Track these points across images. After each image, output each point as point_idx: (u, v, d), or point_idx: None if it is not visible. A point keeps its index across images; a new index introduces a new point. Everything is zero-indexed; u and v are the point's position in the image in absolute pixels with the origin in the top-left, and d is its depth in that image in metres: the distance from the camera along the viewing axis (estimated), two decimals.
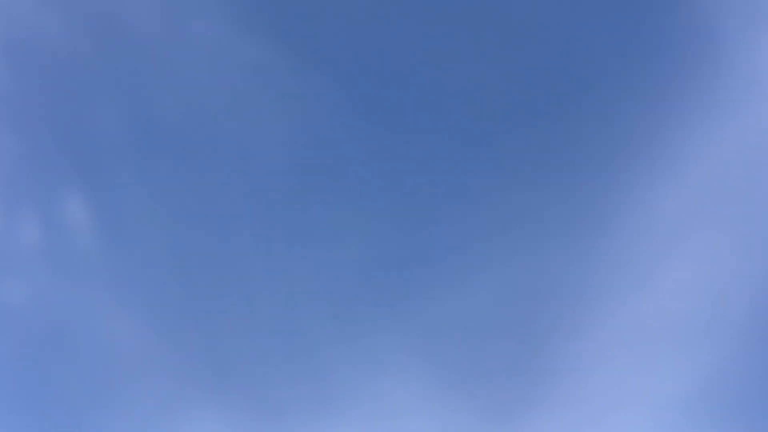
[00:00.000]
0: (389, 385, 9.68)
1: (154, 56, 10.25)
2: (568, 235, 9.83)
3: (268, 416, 9.65)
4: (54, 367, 9.61)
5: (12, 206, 9.91)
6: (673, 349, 9.33)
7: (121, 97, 10.23)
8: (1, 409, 9.38)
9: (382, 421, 9.53)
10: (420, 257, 10.06)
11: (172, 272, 9.78)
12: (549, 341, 9.63)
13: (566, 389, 9.41)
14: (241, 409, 9.66)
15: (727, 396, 9.15)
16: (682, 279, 9.47)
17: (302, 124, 10.19)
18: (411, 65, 10.44)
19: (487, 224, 10.01)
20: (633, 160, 9.75)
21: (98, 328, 9.64)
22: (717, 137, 9.53)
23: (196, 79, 10.31)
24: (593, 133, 9.98)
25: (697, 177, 9.56)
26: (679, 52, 10.02)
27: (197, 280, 9.86)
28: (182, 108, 10.16)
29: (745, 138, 9.47)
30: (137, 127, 10.20)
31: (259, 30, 10.36)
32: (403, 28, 10.43)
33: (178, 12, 10.23)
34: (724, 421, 9.15)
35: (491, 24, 10.34)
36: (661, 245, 9.57)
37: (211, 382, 9.64)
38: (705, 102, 9.71)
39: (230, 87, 10.25)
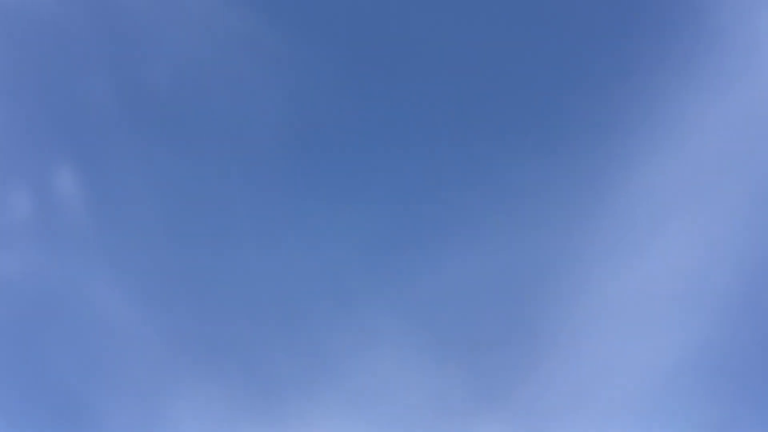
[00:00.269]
0: (382, 356, 9.72)
1: (147, 29, 10.21)
2: (560, 209, 9.86)
3: (262, 387, 9.70)
4: (47, 339, 9.62)
5: (4, 180, 9.88)
6: (662, 320, 9.39)
7: (113, 70, 10.19)
8: None
9: (376, 392, 9.59)
10: (413, 231, 10.09)
11: (165, 245, 9.79)
12: (541, 313, 9.68)
13: (558, 359, 9.47)
14: (236, 380, 9.70)
15: (715, 364, 9.24)
16: (673, 252, 9.52)
17: (295, 97, 10.18)
18: (405, 39, 10.42)
19: (481, 199, 10.04)
20: (627, 135, 9.77)
21: (91, 300, 9.64)
22: (711, 111, 9.55)
23: (188, 51, 10.27)
24: (587, 108, 9.99)
25: (690, 151, 9.59)
26: (674, 27, 10.02)
27: (190, 253, 9.88)
28: (174, 81, 10.13)
29: (739, 112, 9.49)
30: (129, 100, 10.18)
31: (251, 2, 10.33)
32: (397, 0, 10.40)
33: None
34: (711, 388, 9.23)
35: None
36: (652, 218, 9.61)
37: (205, 353, 9.67)
38: (700, 76, 9.72)
39: (222, 59, 10.23)
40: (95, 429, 9.37)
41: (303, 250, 10.07)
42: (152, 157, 9.97)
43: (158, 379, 9.49)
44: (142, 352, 9.52)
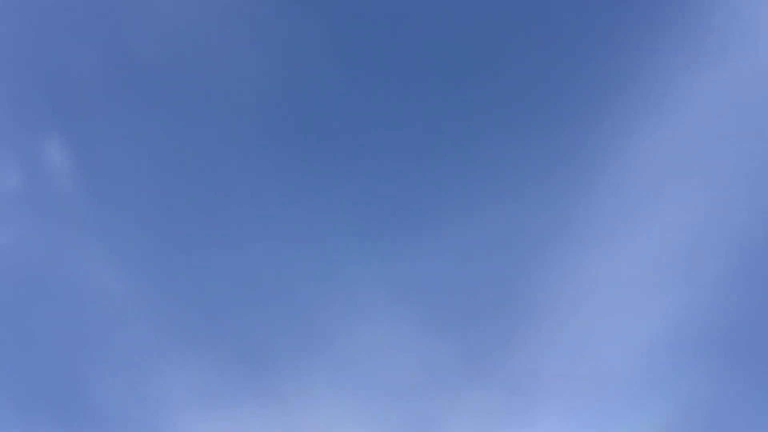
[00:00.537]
0: (372, 330, 9.76)
1: None
2: (550, 185, 9.82)
3: (253, 360, 9.74)
4: (36, 311, 9.63)
5: None
6: (651, 295, 9.43)
7: (101, 38, 10.05)
8: None
9: (365, 364, 9.64)
10: (403, 207, 10.06)
11: (155, 216, 9.76)
12: (529, 288, 9.70)
13: (546, 333, 9.52)
14: (227, 353, 9.75)
15: (703, 339, 9.30)
16: (664, 222, 9.52)
17: (285, 67, 10.07)
18: (398, 13, 10.29)
19: (470, 170, 9.99)
20: (616, 106, 9.70)
21: (81, 272, 9.64)
22: (700, 84, 9.47)
23: (176, 19, 10.13)
24: (577, 80, 9.90)
25: (680, 123, 9.53)
26: (663, 2, 9.89)
27: (180, 225, 9.85)
28: (162, 49, 10.00)
29: (727, 85, 9.42)
30: (117, 69, 10.05)
31: None
32: None
33: None
34: (699, 363, 9.30)
35: None
36: (642, 190, 9.59)
37: (196, 326, 9.70)
38: (689, 51, 9.62)
39: (210, 26, 10.09)
40: (86, 401, 9.44)
41: (293, 224, 10.06)
42: (141, 128, 9.89)
43: (148, 351, 9.54)
44: (133, 325, 9.56)
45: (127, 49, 10.00)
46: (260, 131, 9.96)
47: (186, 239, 9.78)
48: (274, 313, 9.74)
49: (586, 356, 9.51)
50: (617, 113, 9.57)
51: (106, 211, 9.77)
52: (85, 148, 9.84)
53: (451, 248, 9.83)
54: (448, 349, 9.74)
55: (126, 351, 9.53)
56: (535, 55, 10.00)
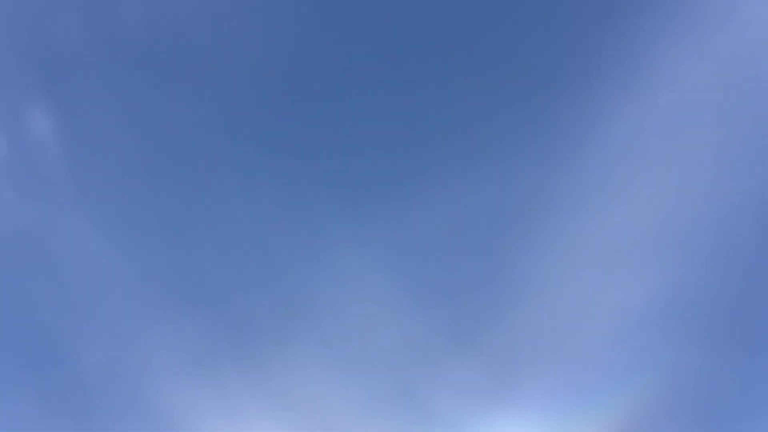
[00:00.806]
0: (358, 300, 9.76)
1: None
2: (536, 156, 9.80)
3: (238, 329, 9.75)
4: (22, 278, 9.62)
5: None
6: (636, 266, 9.44)
7: (86, 5, 9.97)
8: None
9: (351, 335, 9.66)
10: (388, 175, 10.04)
11: (140, 185, 9.72)
12: (516, 259, 9.70)
13: (532, 305, 9.53)
14: (212, 321, 9.75)
15: (687, 310, 9.32)
16: (648, 199, 9.52)
17: (274, 34, 10.00)
18: None
19: (456, 143, 9.97)
20: (605, 79, 9.67)
21: (65, 240, 9.62)
22: (690, 56, 9.45)
23: None
24: (561, 58, 9.87)
25: (670, 95, 9.51)
26: None
27: (166, 193, 9.81)
28: (148, 18, 9.93)
29: (717, 57, 9.40)
30: (103, 38, 9.99)
31: None
32: None
33: None
34: (683, 334, 9.33)
35: None
36: (628, 166, 9.58)
37: (181, 294, 9.69)
38: (678, 21, 9.59)
39: None
40: (70, 368, 9.44)
41: (281, 193, 10.04)
42: (127, 96, 9.84)
43: (132, 318, 9.54)
44: (117, 292, 9.55)
45: (113, 16, 9.93)
46: (246, 100, 9.92)
47: (170, 207, 9.76)
48: (259, 282, 9.75)
49: (570, 331, 9.54)
50: (603, 90, 9.55)
51: (90, 179, 9.74)
52: (69, 116, 9.79)
53: (436, 223, 9.82)
54: (433, 322, 9.76)
55: (109, 318, 9.53)
56: (520, 35, 9.96)
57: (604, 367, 9.44)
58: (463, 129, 9.93)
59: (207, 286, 9.83)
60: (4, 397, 9.24)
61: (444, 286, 9.83)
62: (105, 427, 9.29)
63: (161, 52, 9.88)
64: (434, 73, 10.11)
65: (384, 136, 10.03)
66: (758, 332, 9.35)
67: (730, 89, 9.31)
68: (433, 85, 10.07)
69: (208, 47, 9.95)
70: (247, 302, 9.77)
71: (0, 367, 9.28)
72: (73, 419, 9.32)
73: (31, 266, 9.67)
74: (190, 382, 9.41)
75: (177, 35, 9.91)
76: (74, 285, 9.61)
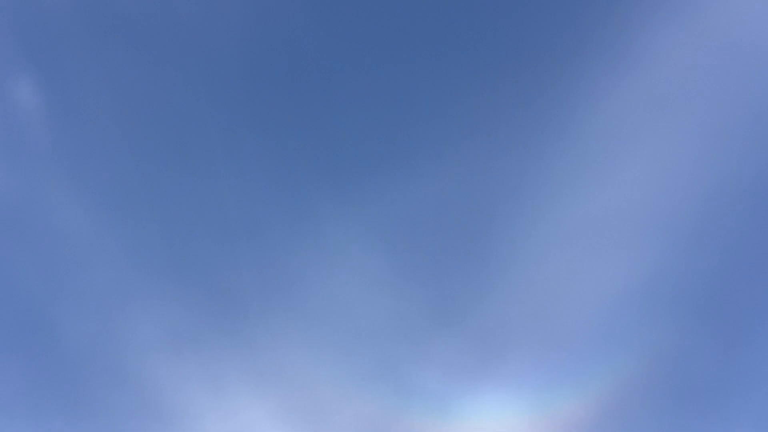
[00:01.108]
0: (343, 276, 9.80)
1: None
2: (522, 136, 9.84)
3: (224, 303, 9.77)
4: (7, 251, 9.60)
5: None
6: (619, 246, 9.51)
7: None
8: None
9: (336, 309, 9.70)
10: (375, 154, 10.06)
11: (126, 158, 9.70)
12: (500, 237, 9.76)
13: (515, 283, 9.60)
14: (197, 294, 9.77)
15: (672, 290, 9.41)
16: (637, 175, 9.57)
17: (261, 9, 9.97)
18: None
19: (442, 122, 9.99)
20: (592, 63, 9.70)
21: (51, 212, 9.59)
22: (678, 36, 9.49)
23: None
24: (552, 36, 9.89)
25: (657, 75, 9.56)
26: None
27: (152, 166, 9.80)
28: None
29: (705, 37, 9.45)
30: (89, 10, 9.93)
31: None
32: None
33: None
34: (667, 313, 9.43)
35: None
36: (615, 144, 9.64)
37: (166, 267, 9.70)
38: (666, 7, 9.63)
39: None
40: (55, 341, 9.44)
41: (268, 170, 10.04)
42: (114, 70, 9.80)
43: (117, 291, 9.54)
44: (102, 265, 9.54)
45: None
46: (234, 75, 9.91)
47: (157, 182, 9.75)
48: (245, 255, 9.76)
49: (553, 309, 9.61)
50: (588, 72, 9.58)
51: (76, 152, 9.71)
52: (56, 89, 9.74)
53: (423, 202, 9.86)
54: (418, 299, 9.81)
55: (94, 291, 9.53)
56: (507, 16, 9.96)
57: (587, 345, 9.53)
58: (449, 109, 9.96)
59: (193, 261, 9.85)
60: None
61: (430, 263, 9.89)
62: (89, 399, 9.32)
63: (150, 27, 9.85)
64: (421, 53, 10.12)
65: (371, 114, 10.06)
66: (736, 314, 9.47)
67: (717, 72, 9.38)
68: (419, 65, 10.08)
69: (197, 22, 9.92)
70: (233, 278, 9.80)
71: None
72: (58, 391, 9.34)
73: (16, 239, 9.65)
74: (175, 357, 9.44)
75: (166, 9, 9.87)
76: (59, 258, 9.60)
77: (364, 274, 9.74)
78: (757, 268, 9.43)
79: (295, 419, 9.38)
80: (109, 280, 9.54)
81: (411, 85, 10.06)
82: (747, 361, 9.30)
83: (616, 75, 9.54)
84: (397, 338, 9.61)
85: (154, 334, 9.47)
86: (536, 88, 9.67)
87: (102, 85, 9.74)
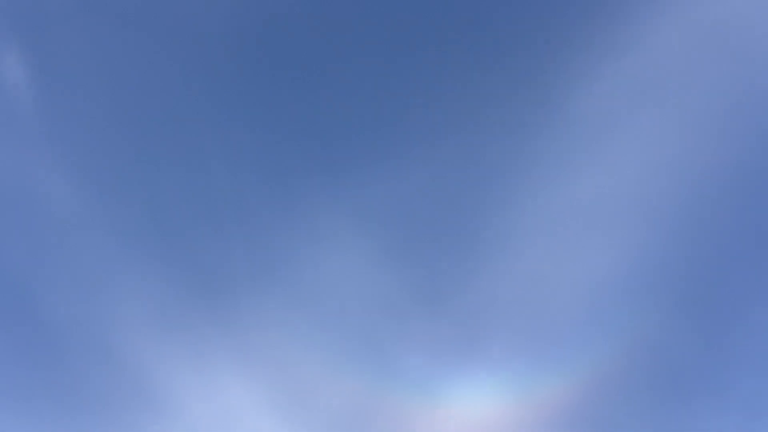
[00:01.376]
0: (330, 256, 9.80)
1: None
2: (509, 122, 9.83)
3: (210, 281, 9.76)
4: None
5: None
6: (603, 232, 9.57)
7: None
8: None
9: (321, 289, 9.72)
10: (366, 137, 10.04)
11: (112, 133, 9.61)
12: (485, 222, 9.78)
13: (499, 267, 9.63)
14: (184, 273, 9.75)
15: (654, 277, 9.48)
16: (621, 165, 9.60)
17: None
18: None
19: (432, 108, 9.95)
20: (578, 50, 9.69)
21: (37, 189, 9.52)
22: (663, 21, 9.49)
23: None
24: (541, 22, 9.87)
25: (644, 65, 9.57)
26: None
27: (140, 144, 9.72)
28: None
29: (689, 23, 9.46)
30: None
31: None
32: None
33: None
34: (649, 300, 9.52)
35: None
36: (603, 130, 9.65)
37: (152, 244, 9.67)
38: None
39: None
40: (40, 317, 9.42)
41: (257, 149, 10.00)
42: (102, 45, 9.69)
43: (103, 269, 9.51)
44: (88, 243, 9.50)
45: None
46: (223, 54, 9.83)
47: (144, 158, 9.68)
48: (233, 236, 9.74)
49: (539, 292, 9.67)
50: (584, 54, 9.57)
51: (63, 127, 9.62)
52: (43, 63, 9.64)
53: (411, 184, 9.86)
54: (404, 281, 9.84)
55: (79, 267, 9.48)
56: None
57: (570, 331, 9.61)
58: (437, 98, 9.93)
59: (181, 243, 9.82)
60: None
61: (417, 249, 9.91)
62: (73, 375, 9.31)
63: (142, 5, 9.73)
64: (410, 44, 10.06)
65: (360, 96, 10.02)
66: (717, 302, 9.56)
67: (704, 62, 9.41)
68: (409, 57, 10.03)
69: (187, 3, 9.82)
70: (221, 260, 9.78)
71: None
72: (42, 366, 9.32)
73: (1, 213, 9.58)
74: (161, 337, 9.44)
75: None
76: (45, 233, 9.55)
77: (352, 258, 9.76)
78: (739, 257, 9.53)
79: (280, 399, 9.44)
80: (94, 257, 9.51)
81: (401, 75, 10.02)
82: (726, 349, 9.42)
83: (602, 65, 9.53)
84: (383, 321, 9.67)
85: (140, 315, 9.47)
86: (523, 79, 9.67)
87: (91, 62, 9.64)
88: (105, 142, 9.66)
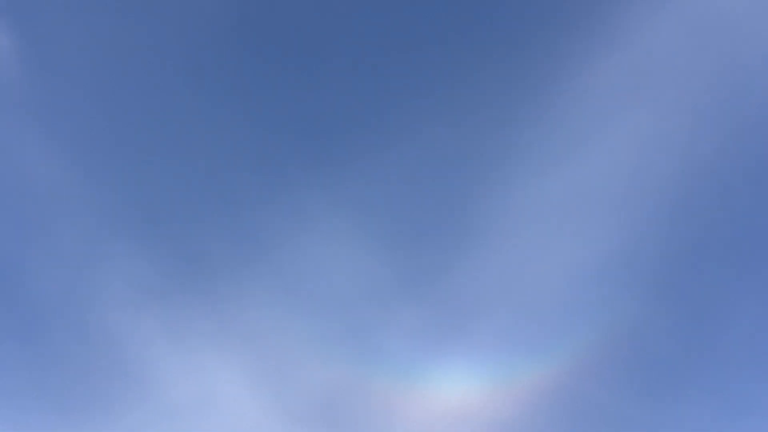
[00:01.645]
0: (314, 241, 9.80)
1: None
2: (499, 108, 9.87)
3: (195, 264, 9.71)
4: None
5: None
6: (588, 219, 9.65)
7: None
8: None
9: (305, 273, 9.71)
10: (348, 121, 10.03)
11: (101, 109, 9.52)
12: (471, 209, 9.83)
13: (484, 254, 9.69)
14: (167, 255, 9.70)
15: (635, 267, 9.59)
16: (604, 156, 9.69)
17: None
18: None
19: (420, 97, 9.97)
20: (571, 38, 9.75)
21: (22, 164, 9.41)
22: (655, 16, 9.58)
23: None
24: (531, 14, 9.91)
25: (632, 54, 9.65)
26: None
27: (127, 121, 9.65)
28: None
29: (681, 18, 9.55)
30: None
31: None
32: None
33: None
34: (628, 289, 9.62)
35: None
36: (593, 119, 9.72)
37: (136, 221, 9.60)
38: None
39: None
40: (22, 293, 9.33)
41: (244, 131, 9.97)
42: (90, 18, 9.60)
43: (86, 244, 9.42)
44: (72, 217, 9.40)
45: None
46: (215, 35, 9.77)
47: (130, 136, 9.60)
48: (218, 221, 9.70)
49: (521, 280, 9.73)
50: (573, 46, 9.65)
51: (48, 102, 9.52)
52: (30, 34, 9.53)
53: (397, 171, 9.89)
54: (388, 266, 9.86)
55: (62, 244, 9.39)
56: None
57: (551, 318, 9.68)
58: (425, 88, 9.97)
59: (164, 218, 9.76)
60: None
61: (400, 231, 9.94)
62: (54, 353, 9.22)
63: None
64: (403, 32, 10.08)
65: (348, 88, 10.03)
66: (695, 290, 9.68)
67: (698, 55, 9.52)
68: (399, 43, 10.05)
69: None
70: (205, 241, 9.73)
71: None
72: (24, 343, 9.23)
73: None
74: (142, 313, 9.37)
75: None
76: (28, 209, 9.45)
77: (336, 241, 9.76)
78: (717, 247, 9.68)
79: (263, 382, 9.41)
80: (77, 232, 9.42)
81: (390, 68, 10.06)
82: (703, 336, 9.56)
83: (594, 60, 9.62)
84: (365, 304, 9.68)
85: (121, 290, 9.39)
86: (512, 71, 9.73)
87: (78, 33, 9.55)
88: (90, 118, 9.58)
